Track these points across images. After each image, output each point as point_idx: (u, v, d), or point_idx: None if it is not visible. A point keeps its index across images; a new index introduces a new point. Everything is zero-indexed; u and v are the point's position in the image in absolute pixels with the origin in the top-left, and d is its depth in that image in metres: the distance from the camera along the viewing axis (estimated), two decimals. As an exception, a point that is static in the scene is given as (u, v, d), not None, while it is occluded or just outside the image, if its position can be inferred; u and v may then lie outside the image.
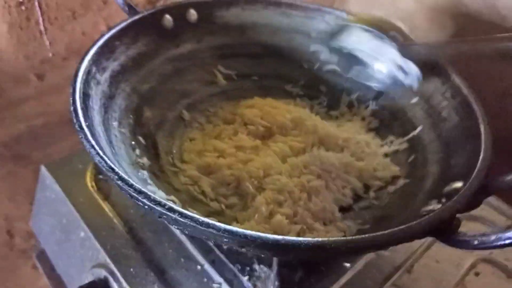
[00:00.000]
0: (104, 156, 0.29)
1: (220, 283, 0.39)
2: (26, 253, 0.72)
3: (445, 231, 0.28)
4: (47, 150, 0.65)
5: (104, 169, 0.29)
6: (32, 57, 0.85)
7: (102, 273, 0.39)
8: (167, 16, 0.48)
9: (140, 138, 0.41)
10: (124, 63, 0.43)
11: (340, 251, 0.28)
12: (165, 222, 0.28)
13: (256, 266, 0.39)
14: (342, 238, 0.29)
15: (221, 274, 0.39)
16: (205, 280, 0.39)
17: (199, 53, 0.51)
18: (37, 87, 0.89)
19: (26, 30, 0.81)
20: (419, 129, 0.43)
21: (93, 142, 0.30)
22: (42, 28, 0.82)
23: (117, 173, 0.28)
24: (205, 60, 0.51)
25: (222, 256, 0.40)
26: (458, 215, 0.29)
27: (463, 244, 0.27)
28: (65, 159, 0.49)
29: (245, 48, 0.53)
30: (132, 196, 0.27)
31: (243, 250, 0.28)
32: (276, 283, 0.37)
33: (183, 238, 0.42)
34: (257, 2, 0.52)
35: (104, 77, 0.40)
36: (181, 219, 0.26)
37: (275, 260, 0.37)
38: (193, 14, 0.50)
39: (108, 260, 0.40)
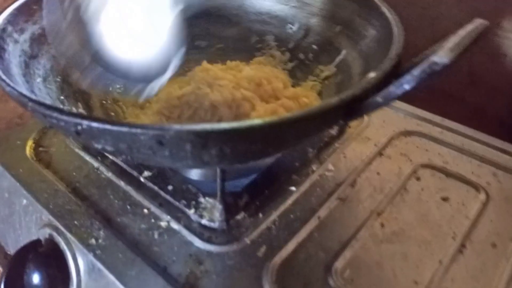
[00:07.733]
0: (15, 86, 0.29)
1: (168, 221, 0.39)
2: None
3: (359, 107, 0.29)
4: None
5: (14, 96, 0.28)
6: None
7: (47, 231, 0.39)
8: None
9: (69, 94, 0.41)
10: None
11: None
12: (84, 138, 0.28)
13: (202, 199, 0.40)
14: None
15: (168, 213, 0.39)
16: (153, 220, 0.39)
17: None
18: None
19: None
20: (343, 52, 0.45)
21: (4, 77, 0.30)
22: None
23: (28, 97, 0.28)
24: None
25: (168, 196, 0.40)
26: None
27: (371, 106, 0.28)
28: (1, 137, 0.48)
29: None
30: (45, 115, 0.27)
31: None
32: (221, 209, 0.38)
33: (128, 188, 0.42)
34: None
35: (23, 38, 0.40)
36: (96, 125, 0.26)
37: (219, 187, 0.38)
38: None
39: (52, 218, 0.39)
